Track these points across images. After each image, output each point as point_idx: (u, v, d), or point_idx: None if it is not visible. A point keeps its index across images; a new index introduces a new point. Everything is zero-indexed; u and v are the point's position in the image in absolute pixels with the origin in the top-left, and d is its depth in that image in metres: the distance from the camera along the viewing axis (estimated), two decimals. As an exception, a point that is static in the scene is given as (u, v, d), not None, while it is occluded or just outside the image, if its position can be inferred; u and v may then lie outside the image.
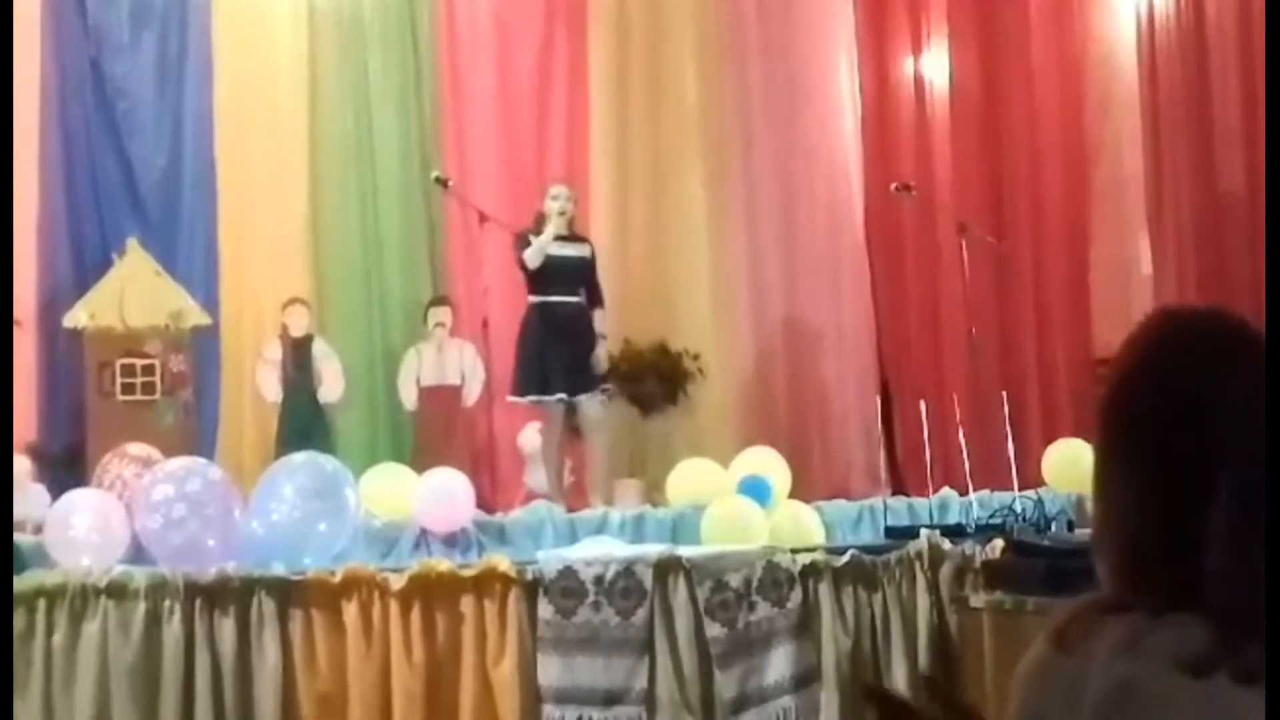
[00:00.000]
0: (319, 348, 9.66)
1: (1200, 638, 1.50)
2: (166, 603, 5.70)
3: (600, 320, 8.89)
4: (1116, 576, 1.61)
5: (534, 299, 8.76)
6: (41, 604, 5.68)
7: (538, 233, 8.69)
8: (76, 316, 9.31)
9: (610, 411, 9.29)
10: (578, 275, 8.82)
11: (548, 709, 5.85)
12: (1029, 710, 1.60)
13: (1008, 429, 8.38)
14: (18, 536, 6.77)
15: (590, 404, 8.77)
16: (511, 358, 8.94)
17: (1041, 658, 1.60)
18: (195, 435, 9.32)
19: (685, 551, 6.23)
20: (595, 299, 8.90)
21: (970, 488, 8.02)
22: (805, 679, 5.99)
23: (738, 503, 7.41)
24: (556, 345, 8.64)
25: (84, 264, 9.80)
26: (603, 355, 8.88)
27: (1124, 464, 1.61)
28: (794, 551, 6.25)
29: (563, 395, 8.64)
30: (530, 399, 8.74)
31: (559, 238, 8.71)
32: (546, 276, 8.68)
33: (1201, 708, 1.49)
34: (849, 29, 10.93)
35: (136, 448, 7.79)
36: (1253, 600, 1.51)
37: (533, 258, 8.61)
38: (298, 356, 9.56)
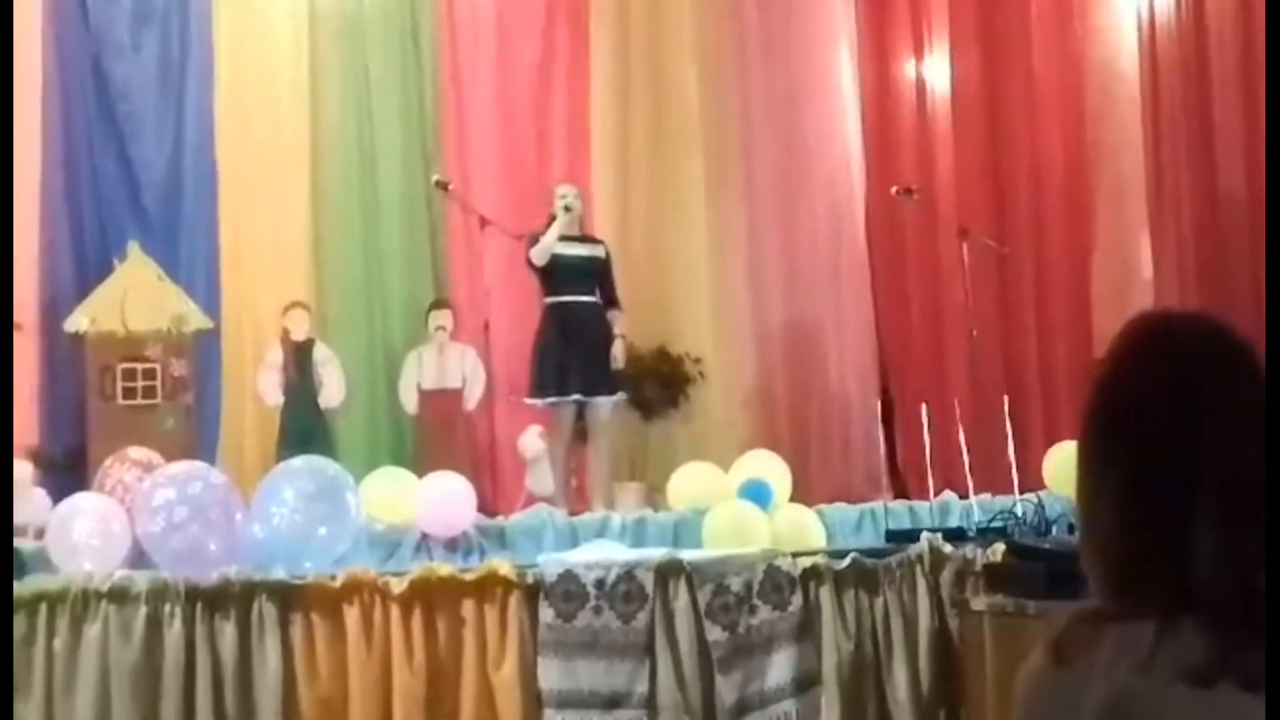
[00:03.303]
0: (320, 351, 9.66)
1: (1201, 646, 1.50)
2: (167, 607, 5.70)
3: (617, 321, 8.90)
4: (1107, 585, 1.61)
5: (549, 300, 8.75)
6: (43, 608, 5.68)
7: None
8: (78, 320, 9.31)
9: (612, 415, 9.29)
10: (591, 275, 8.82)
11: (549, 713, 5.85)
12: None
13: (1009, 432, 8.38)
14: (19, 541, 6.77)
15: (603, 406, 8.76)
16: (513, 361, 8.94)
17: (1039, 670, 1.60)
18: (196, 439, 9.32)
19: (686, 555, 6.22)
20: (611, 300, 8.89)
21: (971, 491, 8.02)
22: (806, 682, 5.99)
23: (739, 506, 7.40)
24: (573, 345, 8.63)
25: (85, 268, 9.80)
26: (620, 356, 8.87)
27: (1109, 471, 1.61)
28: (795, 555, 6.24)
29: (579, 396, 8.64)
30: (547, 400, 8.71)
31: (571, 238, 8.73)
32: (560, 276, 8.68)
33: (1206, 716, 1.49)
34: (850, 31, 10.93)
35: (138, 452, 7.78)
36: (1246, 605, 1.50)
37: (539, 255, 8.62)
38: (299, 360, 9.56)
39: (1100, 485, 1.62)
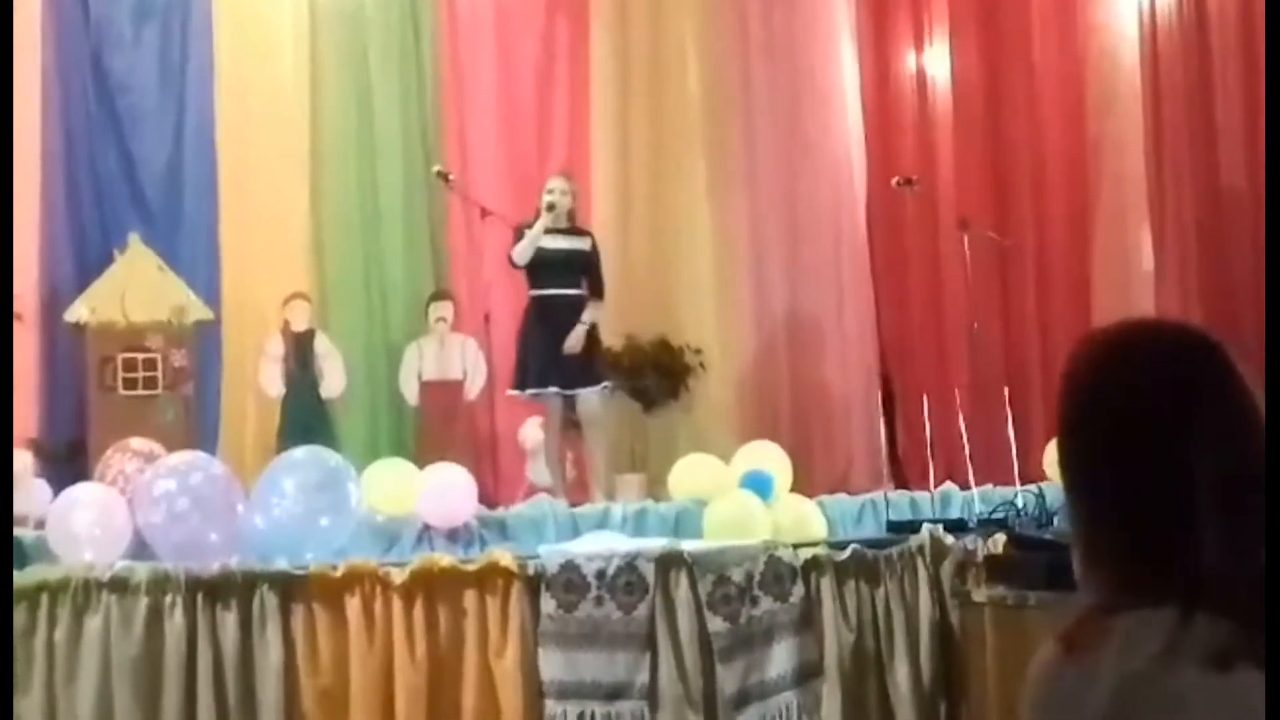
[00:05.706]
0: (321, 343, 9.66)
1: (1219, 632, 1.52)
2: (168, 597, 5.69)
3: (593, 310, 8.81)
4: (1112, 586, 1.62)
5: (533, 292, 8.77)
6: (44, 599, 5.67)
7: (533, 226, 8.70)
8: (78, 311, 9.31)
9: (612, 406, 9.28)
10: (575, 268, 8.78)
11: (550, 704, 5.85)
12: (1040, 713, 1.61)
13: (1009, 423, 8.38)
14: (20, 532, 6.78)
15: (589, 398, 8.75)
16: (513, 352, 8.93)
17: (1050, 660, 1.61)
18: (197, 430, 9.33)
19: (687, 546, 6.22)
20: (595, 291, 8.85)
21: (972, 482, 8.02)
22: (807, 673, 5.99)
23: (740, 497, 7.41)
24: (552, 338, 8.63)
25: (86, 259, 9.80)
26: (579, 343, 8.72)
27: (1105, 482, 1.65)
28: (796, 546, 6.24)
29: (557, 389, 8.64)
30: (528, 392, 8.74)
31: (557, 230, 8.70)
32: (543, 269, 8.67)
33: (1220, 698, 1.51)
34: (851, 23, 10.91)
35: (138, 442, 7.79)
36: (1255, 590, 1.53)
37: (520, 253, 8.61)
38: (300, 351, 9.57)
39: (1098, 495, 1.65)
